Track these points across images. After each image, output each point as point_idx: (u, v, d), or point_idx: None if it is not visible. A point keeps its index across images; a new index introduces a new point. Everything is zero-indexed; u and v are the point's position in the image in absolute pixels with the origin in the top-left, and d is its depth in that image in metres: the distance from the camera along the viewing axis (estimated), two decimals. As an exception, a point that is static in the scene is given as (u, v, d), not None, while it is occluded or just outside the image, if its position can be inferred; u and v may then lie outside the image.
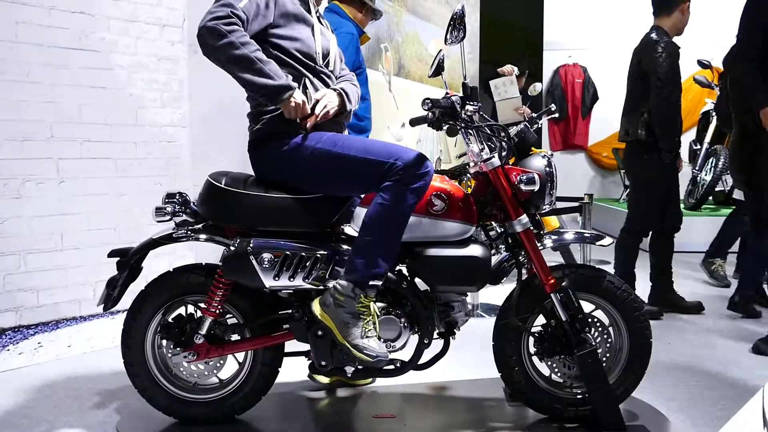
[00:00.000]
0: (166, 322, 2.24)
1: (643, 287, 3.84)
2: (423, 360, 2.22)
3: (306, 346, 2.20)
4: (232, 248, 2.10)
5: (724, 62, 3.77)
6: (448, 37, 2.11)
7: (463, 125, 2.11)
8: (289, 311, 2.24)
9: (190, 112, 3.84)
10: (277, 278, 2.10)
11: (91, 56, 3.45)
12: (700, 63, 6.00)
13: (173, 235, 2.21)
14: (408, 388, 2.61)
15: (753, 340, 3.16)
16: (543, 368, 2.30)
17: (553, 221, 4.36)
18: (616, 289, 2.23)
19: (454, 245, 2.14)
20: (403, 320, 2.14)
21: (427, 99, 2.08)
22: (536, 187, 2.15)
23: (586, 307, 2.22)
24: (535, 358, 2.28)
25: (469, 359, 2.86)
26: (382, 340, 2.12)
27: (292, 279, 2.10)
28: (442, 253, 2.13)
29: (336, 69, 2.34)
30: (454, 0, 5.70)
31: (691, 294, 3.97)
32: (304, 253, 2.10)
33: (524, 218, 2.16)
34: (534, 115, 3.23)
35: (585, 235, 2.40)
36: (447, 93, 2.13)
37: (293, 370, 2.55)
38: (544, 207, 2.22)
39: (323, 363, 2.15)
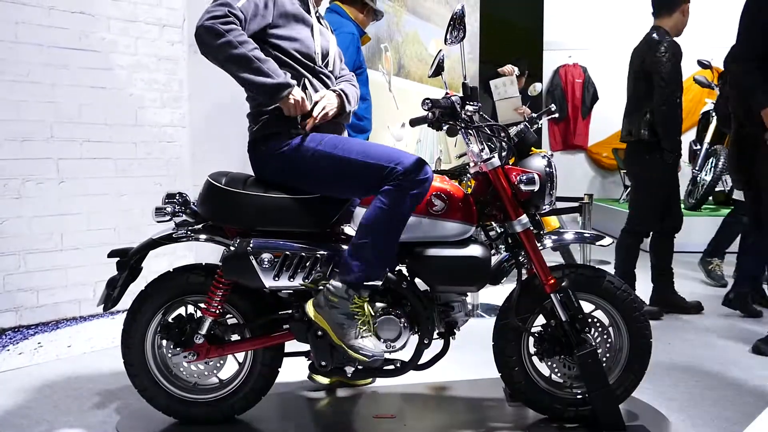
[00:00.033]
0: (166, 322, 2.24)
1: (643, 288, 3.84)
2: (423, 360, 2.22)
3: (306, 346, 2.20)
4: (232, 248, 2.10)
5: (724, 62, 3.77)
6: (448, 37, 2.11)
7: (463, 125, 2.11)
8: (289, 311, 2.24)
9: (190, 112, 3.85)
10: (276, 278, 2.10)
11: (91, 56, 3.45)
12: (700, 63, 6.00)
13: (173, 235, 2.21)
14: (408, 388, 2.61)
15: (753, 340, 3.16)
16: (543, 368, 2.30)
17: (553, 221, 4.36)
18: (615, 290, 2.23)
19: (454, 245, 2.14)
20: (403, 320, 2.14)
21: (427, 99, 2.07)
22: (536, 187, 2.15)
23: (586, 307, 2.22)
24: (535, 359, 2.28)
25: (469, 359, 2.86)
26: (381, 339, 2.12)
27: (291, 279, 2.10)
28: (442, 253, 2.13)
29: (336, 69, 2.34)
30: (454, 0, 5.70)
31: (690, 294, 3.97)
32: (304, 254, 2.10)
33: (524, 218, 2.16)
34: (534, 115, 3.23)
35: (585, 235, 2.40)
36: (447, 93, 2.13)
37: (293, 370, 2.55)
38: (544, 207, 2.22)
39: (323, 363, 2.15)
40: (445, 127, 2.09)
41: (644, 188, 3.77)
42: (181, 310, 2.29)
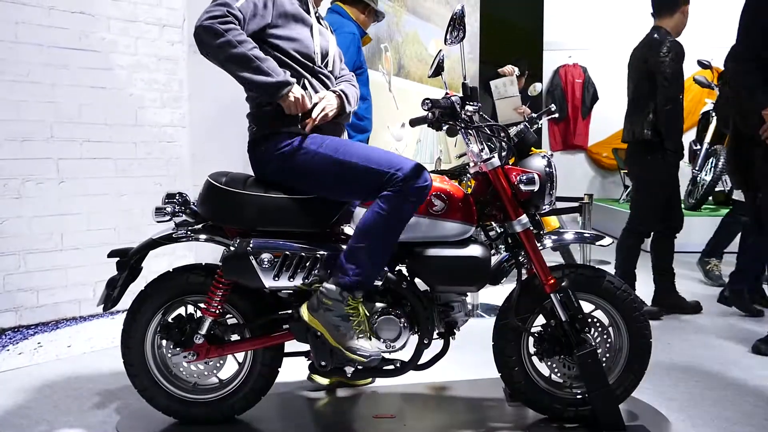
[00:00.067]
0: (166, 322, 2.24)
1: (644, 288, 3.84)
2: (423, 360, 2.22)
3: (306, 346, 2.20)
4: (232, 248, 2.10)
5: (725, 63, 3.77)
6: (447, 37, 2.11)
7: (462, 125, 2.11)
8: (289, 311, 2.24)
9: (190, 112, 3.85)
10: (276, 278, 2.10)
11: (91, 56, 3.45)
12: (700, 63, 6.00)
13: (173, 235, 2.21)
14: (408, 388, 2.61)
15: (753, 340, 3.16)
16: (543, 368, 2.30)
17: (553, 221, 4.36)
18: (615, 290, 2.23)
19: (454, 245, 2.14)
20: (402, 320, 2.14)
21: (427, 99, 2.07)
22: (536, 187, 2.15)
23: (586, 307, 2.22)
24: (534, 359, 2.28)
25: (469, 359, 2.86)
26: (381, 339, 2.12)
27: (291, 279, 2.10)
28: (442, 253, 2.13)
29: (335, 69, 2.34)
30: (454, 0, 5.70)
31: (689, 294, 3.96)
32: (303, 254, 2.10)
33: (524, 218, 2.16)
34: (534, 115, 3.23)
35: (585, 235, 2.40)
36: (447, 93, 2.13)
37: (293, 370, 2.55)
38: (543, 207, 2.22)
39: (323, 363, 2.15)
40: (445, 127, 2.09)
41: (646, 188, 3.77)
42: (181, 310, 2.29)
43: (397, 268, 2.21)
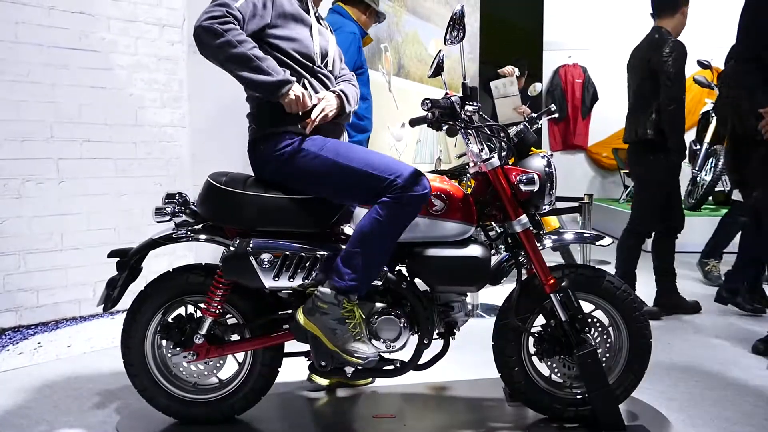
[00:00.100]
0: (166, 322, 2.24)
1: (644, 288, 3.84)
2: (423, 360, 2.22)
3: (306, 346, 2.20)
4: (232, 248, 2.10)
5: (725, 63, 3.77)
6: (447, 37, 2.11)
7: (462, 125, 2.11)
8: (289, 311, 2.24)
9: (190, 112, 3.85)
10: (276, 278, 2.10)
11: (91, 56, 3.45)
12: (700, 63, 6.00)
13: (173, 235, 2.21)
14: (408, 388, 2.61)
15: (753, 340, 3.16)
16: (543, 368, 2.30)
17: (553, 221, 4.36)
18: (615, 290, 2.23)
19: (454, 245, 2.14)
20: (402, 320, 2.14)
21: (427, 99, 2.07)
22: (536, 188, 2.15)
23: (586, 307, 2.22)
24: (534, 359, 2.28)
25: (469, 359, 2.86)
26: (381, 339, 2.13)
27: (291, 279, 2.10)
28: (442, 253, 2.13)
29: (335, 69, 2.34)
30: (454, 0, 5.70)
31: (689, 294, 3.96)
32: (303, 254, 2.10)
33: (524, 218, 2.16)
34: (534, 115, 3.23)
35: (584, 235, 2.40)
36: (446, 93, 2.13)
37: (293, 370, 2.55)
38: (543, 207, 2.22)
39: (323, 363, 2.15)
40: (444, 127, 2.09)
41: (648, 189, 3.76)
42: (181, 310, 2.29)
43: (397, 268, 2.21)
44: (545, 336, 2.22)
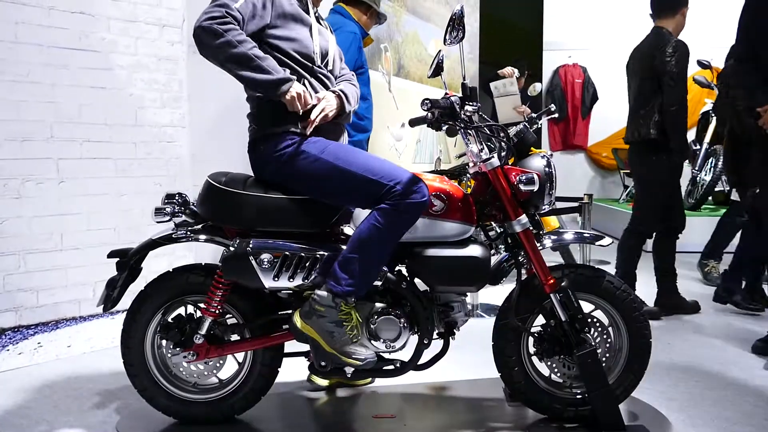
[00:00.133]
0: (166, 322, 2.24)
1: (644, 288, 3.84)
2: (423, 360, 2.22)
3: (305, 347, 2.20)
4: (232, 249, 2.10)
5: (725, 63, 3.77)
6: (447, 37, 2.11)
7: (462, 125, 2.11)
8: (289, 311, 2.24)
9: (190, 113, 3.85)
10: (276, 279, 2.10)
11: (91, 56, 3.45)
12: (700, 63, 6.00)
13: (173, 235, 2.21)
14: (408, 388, 2.61)
15: (753, 340, 3.16)
16: (543, 368, 2.30)
17: (552, 221, 4.36)
18: (615, 290, 2.23)
19: (454, 245, 2.14)
20: (402, 320, 2.14)
21: (427, 99, 2.08)
22: (535, 188, 2.15)
23: (586, 307, 2.22)
24: (534, 358, 2.28)
25: (469, 359, 2.86)
26: (381, 340, 2.13)
27: (291, 279, 2.10)
28: (442, 253, 2.13)
29: (335, 69, 2.34)
30: (454, 0, 5.70)
31: (688, 294, 3.96)
32: (303, 254, 2.10)
33: (523, 218, 2.16)
34: (534, 115, 3.23)
35: (584, 235, 2.40)
36: (446, 93, 2.13)
37: (293, 370, 2.55)
38: (543, 207, 2.22)
39: (323, 363, 2.15)
40: (444, 128, 2.09)
41: (649, 189, 3.75)
42: (181, 310, 2.29)
43: (397, 268, 2.21)
44: (545, 336, 2.23)
